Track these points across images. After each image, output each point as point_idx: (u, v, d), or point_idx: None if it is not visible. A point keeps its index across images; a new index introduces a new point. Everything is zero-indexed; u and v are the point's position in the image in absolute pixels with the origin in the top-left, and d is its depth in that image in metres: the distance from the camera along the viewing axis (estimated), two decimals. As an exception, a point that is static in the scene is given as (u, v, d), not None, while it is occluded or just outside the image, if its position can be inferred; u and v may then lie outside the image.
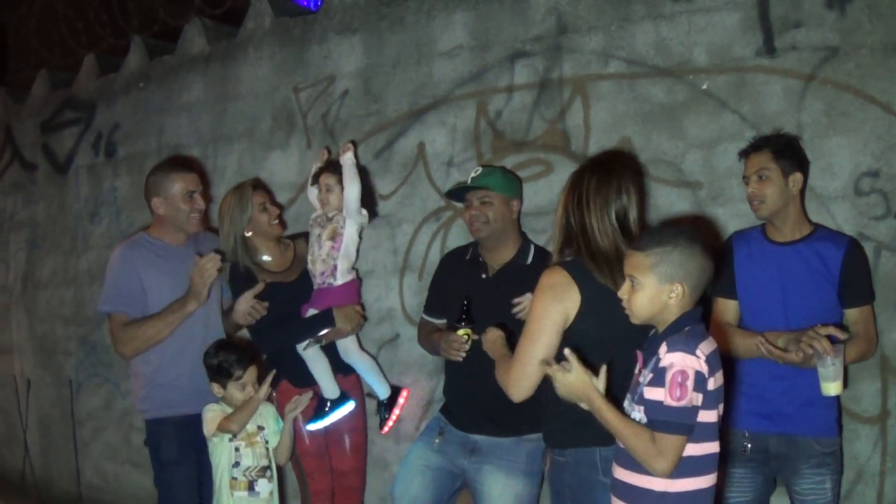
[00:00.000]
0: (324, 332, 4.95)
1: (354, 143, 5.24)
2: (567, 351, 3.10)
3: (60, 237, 7.93)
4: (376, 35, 5.66)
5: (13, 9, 9.35)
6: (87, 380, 7.67)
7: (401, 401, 5.20)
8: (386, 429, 5.21)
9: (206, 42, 6.74)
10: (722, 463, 3.18)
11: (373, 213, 5.31)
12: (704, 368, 2.90)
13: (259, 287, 4.90)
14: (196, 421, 4.62)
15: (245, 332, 5.18)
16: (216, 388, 4.60)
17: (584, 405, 3.11)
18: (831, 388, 3.61)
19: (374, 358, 5.39)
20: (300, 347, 4.94)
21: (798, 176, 3.89)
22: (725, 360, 3.15)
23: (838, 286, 3.83)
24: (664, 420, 2.92)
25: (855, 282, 3.85)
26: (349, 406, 5.01)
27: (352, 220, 4.97)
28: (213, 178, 6.54)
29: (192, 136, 6.76)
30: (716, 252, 3.37)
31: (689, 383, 2.88)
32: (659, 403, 2.92)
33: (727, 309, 4.07)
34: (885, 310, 4.05)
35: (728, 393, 3.28)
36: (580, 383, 3.08)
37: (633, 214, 3.52)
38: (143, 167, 6.58)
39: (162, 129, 7.00)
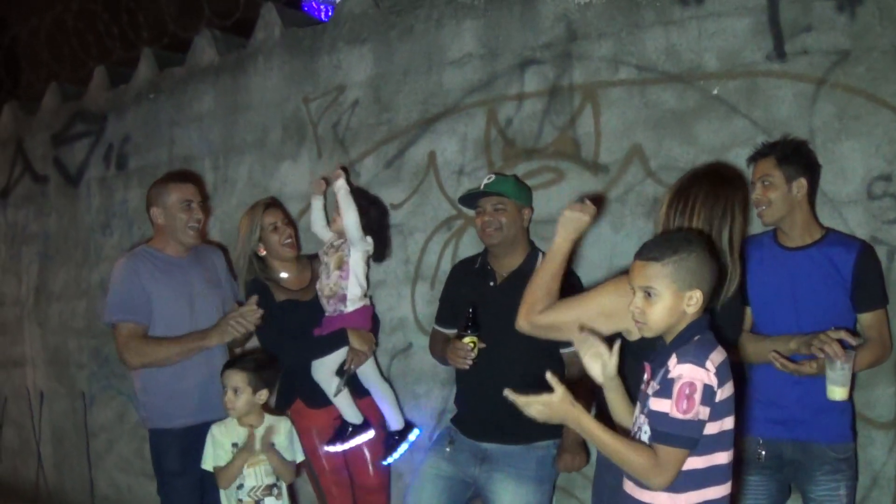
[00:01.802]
0: (347, 368, 4.92)
1: (346, 170, 5.20)
2: (549, 374, 2.98)
3: (72, 249, 7.94)
4: (386, 44, 5.66)
5: (24, 22, 9.38)
6: (100, 392, 7.67)
7: (410, 438, 5.15)
8: (389, 460, 5.15)
9: (216, 53, 6.75)
10: (736, 471, 3.16)
11: (383, 254, 5.31)
12: (714, 381, 2.85)
13: (253, 299, 4.82)
14: (200, 430, 4.65)
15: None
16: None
17: (571, 425, 3.00)
18: (837, 392, 3.59)
19: (392, 388, 5.34)
20: (332, 395, 4.91)
21: (802, 181, 3.86)
22: (736, 367, 3.11)
23: (851, 290, 3.81)
24: (667, 432, 2.86)
25: (867, 286, 3.83)
26: (369, 435, 4.98)
27: (356, 248, 4.95)
28: (224, 189, 6.56)
29: (203, 147, 6.76)
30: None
31: (697, 396, 2.82)
32: (664, 415, 2.87)
33: (739, 314, 4.05)
34: (900, 313, 4.03)
35: (741, 399, 3.25)
36: (566, 405, 2.95)
37: (725, 236, 3.41)
38: (155, 179, 6.57)
39: (173, 141, 7.01)
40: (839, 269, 3.81)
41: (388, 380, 5.35)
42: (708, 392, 2.84)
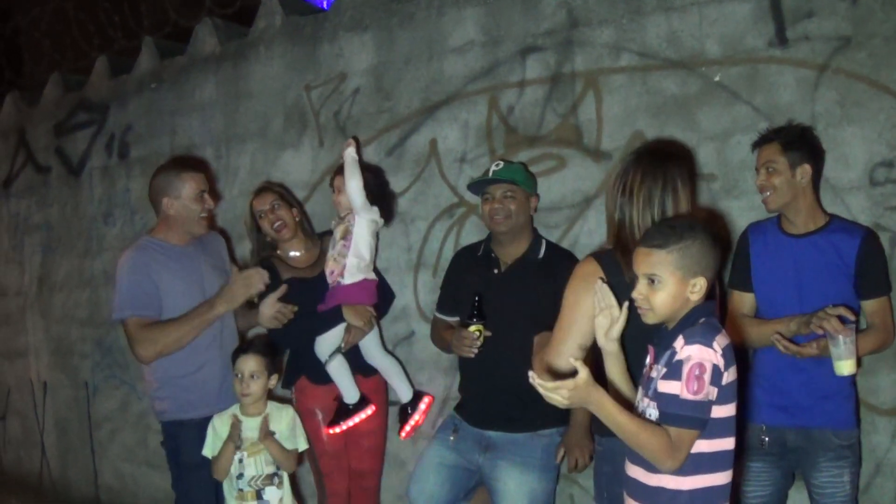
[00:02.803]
0: (341, 341, 4.94)
1: (357, 140, 5.21)
2: (572, 359, 2.98)
3: (75, 239, 7.95)
4: (387, 32, 5.65)
5: (25, 12, 9.38)
6: (103, 382, 7.68)
7: (422, 406, 5.17)
8: (404, 434, 5.18)
9: (217, 42, 6.74)
10: (738, 458, 3.16)
11: (389, 215, 5.28)
12: (721, 362, 2.86)
13: (282, 289, 4.86)
14: None
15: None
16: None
17: (591, 408, 2.96)
18: (844, 366, 3.57)
19: (398, 360, 5.36)
20: (324, 362, 4.93)
21: (806, 167, 3.85)
22: (739, 354, 3.11)
23: (854, 277, 3.81)
24: (678, 414, 2.86)
25: (871, 273, 3.82)
26: (368, 410, 4.99)
27: (360, 218, 4.93)
28: (227, 178, 6.56)
29: (205, 135, 6.76)
30: (724, 242, 3.34)
31: (707, 376, 2.83)
32: (674, 397, 2.87)
33: (743, 301, 4.05)
34: (904, 301, 4.03)
35: (744, 386, 3.25)
36: (590, 387, 2.87)
37: (670, 210, 3.40)
38: (157, 168, 6.59)
39: (174, 130, 7.01)
40: (842, 256, 3.81)
41: (392, 354, 5.36)
42: (717, 372, 2.85)
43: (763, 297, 4.02)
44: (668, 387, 2.90)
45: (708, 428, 2.90)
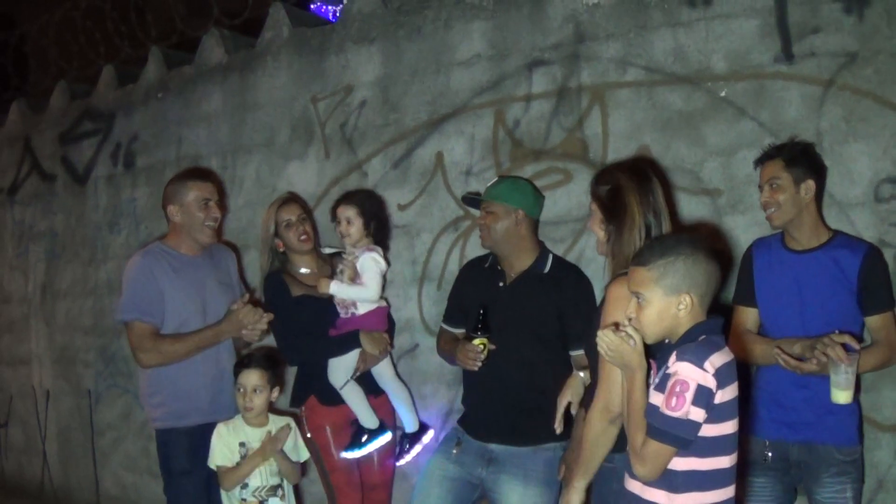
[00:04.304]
0: (356, 366, 4.95)
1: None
2: (630, 329, 3.04)
3: (79, 248, 7.95)
4: (394, 44, 5.67)
5: (32, 20, 9.39)
6: (105, 390, 7.68)
7: (424, 440, 5.17)
8: (402, 461, 5.18)
9: (224, 52, 6.76)
10: (741, 473, 3.16)
11: (386, 243, 5.32)
12: (711, 383, 2.85)
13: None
14: (208, 429, 4.66)
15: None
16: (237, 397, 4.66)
17: (628, 372, 3.06)
18: (841, 396, 3.60)
19: (408, 388, 5.34)
20: (339, 388, 4.92)
21: (810, 183, 3.86)
22: (743, 368, 3.12)
23: (857, 293, 3.81)
24: (655, 426, 2.89)
25: (874, 288, 3.82)
26: (386, 437, 5.01)
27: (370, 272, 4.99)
28: (232, 189, 6.56)
29: (211, 146, 6.77)
30: (725, 257, 3.34)
31: (688, 395, 2.82)
32: (656, 409, 2.90)
33: (747, 317, 4.05)
34: (907, 317, 4.03)
35: (747, 401, 3.25)
36: (638, 356, 3.02)
37: (665, 229, 3.48)
38: (162, 177, 6.61)
39: (180, 140, 7.02)
40: (845, 271, 3.81)
41: (403, 381, 5.34)
42: (703, 393, 2.84)
43: (766, 314, 4.02)
44: (654, 398, 2.95)
45: (700, 446, 2.91)
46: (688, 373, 2.84)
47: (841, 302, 3.82)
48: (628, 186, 3.56)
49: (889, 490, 4.15)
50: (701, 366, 2.84)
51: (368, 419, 4.94)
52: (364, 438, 4.92)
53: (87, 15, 8.12)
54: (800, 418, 3.87)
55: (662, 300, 2.99)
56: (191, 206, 4.89)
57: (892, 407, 4.12)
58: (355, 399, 4.93)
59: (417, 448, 5.14)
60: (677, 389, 2.84)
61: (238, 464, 4.56)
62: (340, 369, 4.91)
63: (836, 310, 3.81)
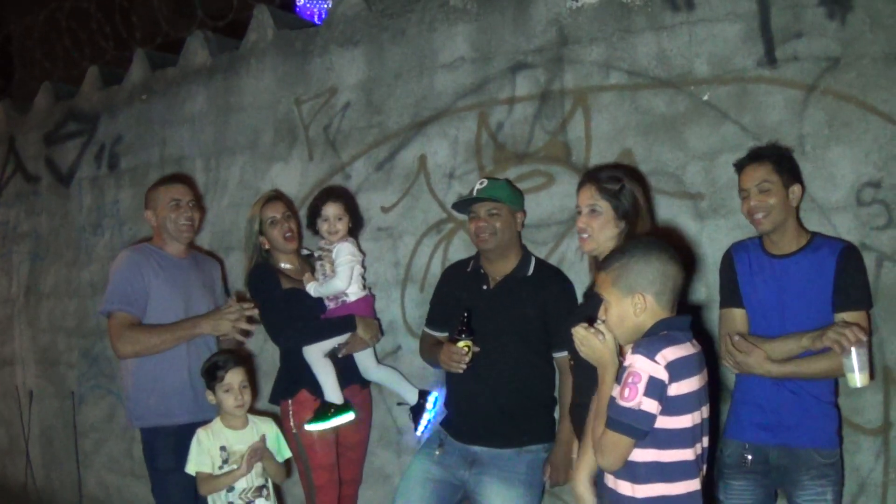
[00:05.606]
0: (342, 343, 5.02)
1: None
2: (603, 326, 3.16)
3: (63, 249, 7.95)
4: (378, 47, 5.66)
5: (17, 21, 9.38)
6: (89, 391, 7.67)
7: (428, 404, 5.16)
8: (418, 431, 5.16)
9: (208, 54, 6.75)
10: (709, 470, 3.25)
11: (358, 229, 5.43)
12: (663, 375, 2.95)
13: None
14: (193, 428, 4.66)
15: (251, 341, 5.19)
16: (210, 397, 4.67)
17: (600, 370, 3.17)
18: (859, 378, 3.54)
19: (395, 367, 5.41)
20: (311, 360, 4.95)
21: (797, 188, 3.87)
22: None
23: (832, 290, 3.80)
24: (610, 416, 3.01)
25: (847, 286, 3.78)
26: (349, 416, 4.99)
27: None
28: (216, 190, 6.56)
29: (195, 148, 6.77)
30: (688, 258, 3.37)
31: (641, 386, 2.94)
32: (612, 399, 3.03)
33: (735, 318, 4.01)
34: (888, 321, 4.05)
35: (714, 401, 3.29)
36: (608, 353, 3.14)
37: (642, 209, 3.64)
38: (146, 179, 6.62)
39: (164, 141, 7.01)
40: (823, 272, 3.80)
41: (385, 364, 5.41)
42: (655, 384, 2.95)
43: (749, 316, 4.02)
44: (613, 391, 3.06)
45: (659, 438, 3.01)
46: (640, 365, 2.97)
47: (821, 304, 3.81)
48: (636, 187, 3.78)
49: (870, 494, 4.15)
50: (652, 358, 2.96)
51: (334, 394, 4.95)
52: (330, 412, 4.93)
53: (72, 16, 8.12)
54: (780, 421, 3.86)
55: (620, 301, 3.13)
56: (163, 208, 5.05)
57: (872, 410, 4.12)
58: (325, 372, 4.96)
59: (426, 416, 5.13)
60: (630, 380, 2.97)
61: (220, 468, 4.56)
62: (316, 350, 4.96)
63: (817, 313, 3.79)
